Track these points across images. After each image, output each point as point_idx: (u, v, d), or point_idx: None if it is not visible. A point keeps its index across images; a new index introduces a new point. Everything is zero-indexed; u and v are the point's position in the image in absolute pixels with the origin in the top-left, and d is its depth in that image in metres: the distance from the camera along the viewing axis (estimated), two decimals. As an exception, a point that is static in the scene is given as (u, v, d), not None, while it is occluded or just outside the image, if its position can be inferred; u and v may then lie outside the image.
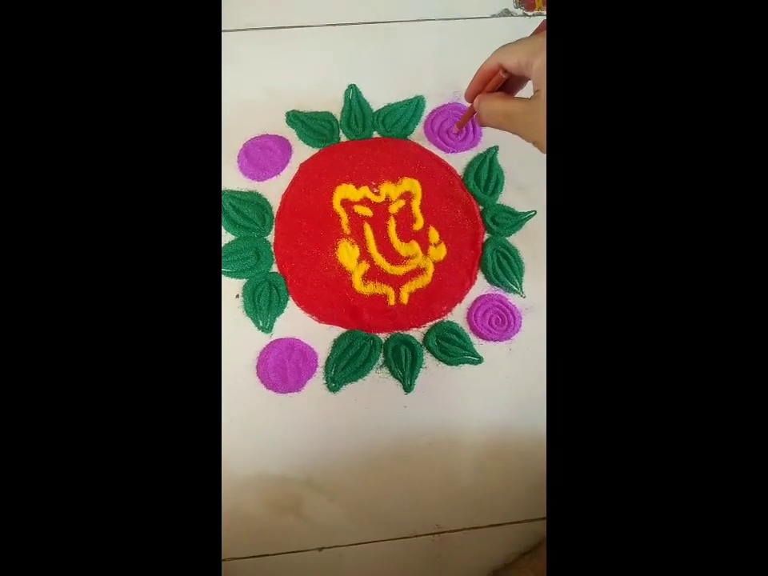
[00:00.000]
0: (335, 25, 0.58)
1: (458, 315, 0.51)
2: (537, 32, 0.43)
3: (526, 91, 0.40)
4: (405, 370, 0.49)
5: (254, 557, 0.46)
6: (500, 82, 0.40)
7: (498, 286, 0.52)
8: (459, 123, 0.50)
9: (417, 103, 0.55)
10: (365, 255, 0.52)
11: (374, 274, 0.51)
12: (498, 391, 0.49)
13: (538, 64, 0.35)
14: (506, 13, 0.59)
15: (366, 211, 0.52)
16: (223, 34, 0.56)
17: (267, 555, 0.46)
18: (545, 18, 0.42)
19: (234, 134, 0.53)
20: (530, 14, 0.58)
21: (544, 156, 0.33)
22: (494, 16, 0.59)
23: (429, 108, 0.55)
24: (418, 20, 0.58)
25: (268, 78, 0.55)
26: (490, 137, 0.54)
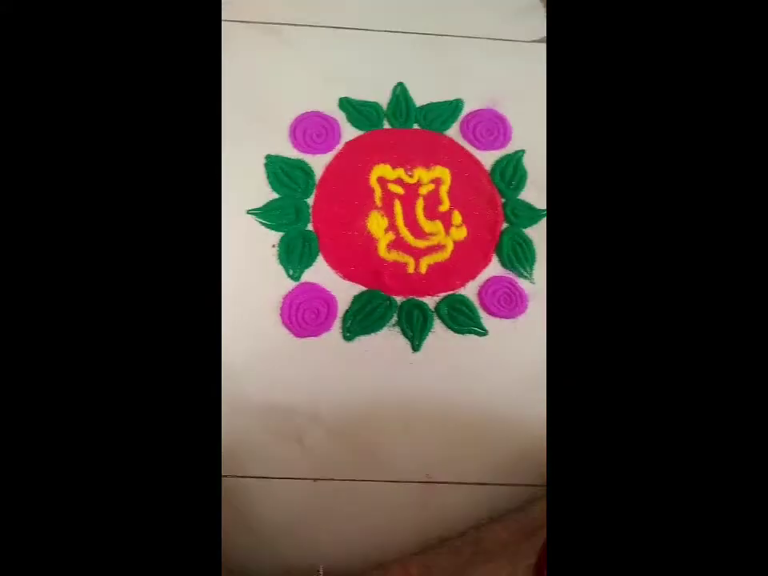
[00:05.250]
0: (390, 31, 0.65)
1: (470, 290, 0.55)
2: None
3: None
4: (415, 331, 0.53)
5: (255, 477, 0.49)
6: None
7: (511, 271, 0.56)
8: None
9: (456, 105, 0.61)
10: (392, 227, 0.57)
11: (398, 244, 0.56)
12: (499, 362, 0.53)
13: None
14: (545, 39, 0.66)
15: (398, 189, 0.58)
16: (286, 27, 0.63)
17: (267, 477, 0.49)
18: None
19: (288, 108, 0.59)
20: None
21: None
22: (533, 41, 0.66)
23: (466, 110, 0.62)
24: (465, 36, 0.66)
25: (325, 68, 0.62)
26: (518, 140, 0.60)
